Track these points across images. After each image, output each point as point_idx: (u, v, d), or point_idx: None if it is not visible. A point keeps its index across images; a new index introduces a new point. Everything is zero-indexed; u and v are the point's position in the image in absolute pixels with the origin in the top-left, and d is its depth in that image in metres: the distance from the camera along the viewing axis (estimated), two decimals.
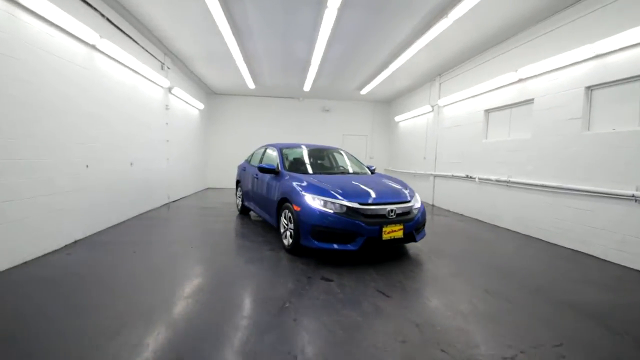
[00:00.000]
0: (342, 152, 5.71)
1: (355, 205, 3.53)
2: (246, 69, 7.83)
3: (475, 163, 6.86)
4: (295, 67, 7.88)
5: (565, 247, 4.59)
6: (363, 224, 3.45)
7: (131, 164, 5.73)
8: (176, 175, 8.11)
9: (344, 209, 3.52)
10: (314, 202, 3.62)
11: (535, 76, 5.23)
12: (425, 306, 2.73)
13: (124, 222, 5.41)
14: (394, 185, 4.27)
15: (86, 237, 4.38)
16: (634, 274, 3.57)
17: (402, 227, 3.65)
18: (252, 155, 6.52)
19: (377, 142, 12.37)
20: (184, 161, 8.75)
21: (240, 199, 6.58)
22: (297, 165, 4.96)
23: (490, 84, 6.22)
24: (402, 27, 5.52)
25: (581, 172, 4.42)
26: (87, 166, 4.41)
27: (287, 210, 4.03)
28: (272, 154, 5.50)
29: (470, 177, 6.89)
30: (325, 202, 3.58)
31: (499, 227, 5.98)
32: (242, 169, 6.47)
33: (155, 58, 6.61)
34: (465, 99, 7.17)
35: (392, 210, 3.66)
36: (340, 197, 3.60)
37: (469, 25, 5.35)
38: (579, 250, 4.41)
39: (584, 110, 4.45)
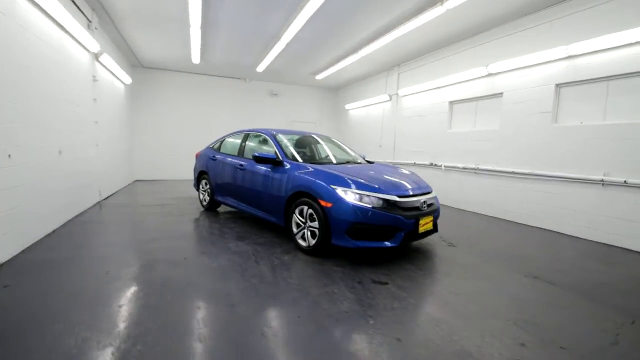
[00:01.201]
0: (333, 139, 5.30)
1: (394, 198, 3.24)
2: (199, 39, 6.60)
3: (439, 151, 7.25)
4: (258, 43, 7.00)
5: (532, 226, 5.19)
6: (403, 218, 3.19)
7: (60, 152, 4.26)
8: (106, 165, 6.47)
9: (382, 202, 3.19)
10: (349, 196, 3.18)
11: (506, 72, 5.68)
12: (513, 299, 2.65)
13: (55, 230, 4.02)
14: (412, 175, 4.11)
15: (14, 258, 3.06)
16: (613, 248, 4.21)
17: (432, 218, 3.54)
18: (221, 142, 5.56)
19: (326, 129, 12.18)
20: (113, 148, 7.05)
21: (206, 193, 5.59)
22: (298, 154, 4.38)
23: (458, 77, 6.57)
24: (390, 11, 5.32)
25: (552, 160, 4.99)
26: (9, 156, 3.04)
27: (305, 207, 3.49)
28: (259, 141, 4.77)
29: (435, 165, 7.27)
30: (362, 196, 3.18)
31: (465, 210, 6.47)
32: (210, 159, 5.48)
33: (82, 13, 5.00)
34: (429, 90, 7.47)
35: (424, 202, 3.50)
36: (377, 191, 3.26)
37: (442, 20, 5.46)
38: (549, 228, 5.03)
39: (554, 105, 5.01)
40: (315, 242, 3.39)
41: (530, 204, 5.29)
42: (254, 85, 10.92)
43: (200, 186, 5.79)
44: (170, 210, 5.53)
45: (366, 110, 10.30)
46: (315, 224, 3.38)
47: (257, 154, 4.10)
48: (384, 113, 9.31)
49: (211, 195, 5.41)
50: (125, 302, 2.35)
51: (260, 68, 8.85)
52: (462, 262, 3.51)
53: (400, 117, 8.56)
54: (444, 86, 7.05)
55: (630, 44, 4.11)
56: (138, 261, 3.19)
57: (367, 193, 3.20)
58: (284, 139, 4.48)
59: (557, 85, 4.96)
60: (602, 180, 4.36)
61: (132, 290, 2.56)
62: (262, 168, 4.20)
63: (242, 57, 8.17)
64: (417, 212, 3.37)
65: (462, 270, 3.26)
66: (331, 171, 3.57)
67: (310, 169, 3.71)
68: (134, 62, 8.88)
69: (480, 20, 5.60)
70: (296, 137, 4.77)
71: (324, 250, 3.39)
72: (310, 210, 3.43)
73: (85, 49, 5.21)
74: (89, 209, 5.40)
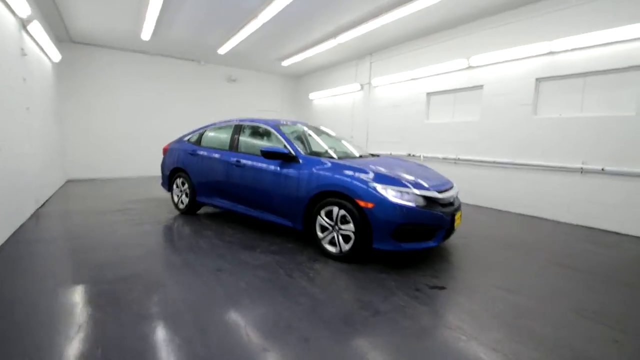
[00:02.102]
0: (324, 129, 4.93)
1: (435, 194, 3.05)
2: (158, 10, 5.55)
3: (417, 142, 7.35)
4: (230, 19, 6.17)
5: (514, 213, 5.56)
6: (443, 215, 3.03)
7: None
8: (40, 163, 5.16)
9: (423, 200, 2.98)
10: (391, 194, 2.90)
11: (488, 65, 5.89)
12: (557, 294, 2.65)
13: None
14: (429, 169, 3.97)
15: None
16: (593, 230, 4.65)
17: (461, 213, 3.46)
18: (201, 134, 4.78)
19: (288, 118, 11.59)
20: (44, 141, 5.65)
21: (184, 194, 4.79)
22: (310, 149, 3.94)
23: (437, 68, 6.66)
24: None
25: (533, 150, 5.34)
26: None
27: (335, 208, 3.11)
28: (258, 133, 4.18)
29: (414, 156, 7.37)
30: (402, 194, 2.93)
31: None
32: (189, 154, 4.68)
33: None
34: (406, 80, 7.48)
35: (456, 197, 3.40)
36: (418, 187, 3.03)
37: (425, 11, 5.44)
38: (530, 214, 5.42)
39: (534, 98, 5.33)
40: (351, 248, 3.06)
41: (512, 191, 5.64)
42: (210, 69, 9.82)
43: (175, 186, 4.95)
44: (138, 217, 4.61)
45: (333, 100, 10.03)
46: (349, 226, 3.04)
47: (265, 149, 3.55)
48: (355, 103, 9.15)
49: (192, 196, 4.65)
50: None
51: (223, 50, 7.92)
52: (484, 254, 3.51)
53: (374, 108, 8.48)
54: (422, 77, 7.10)
55: (606, 44, 4.50)
56: (148, 302, 2.50)
57: (408, 190, 2.96)
58: (288, 131, 3.99)
59: (537, 79, 5.27)
60: (581, 168, 4.79)
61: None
62: (270, 165, 3.67)
63: (206, 36, 7.18)
64: (452, 207, 3.25)
65: (491, 264, 3.24)
66: (363, 167, 3.24)
67: (329, 164, 3.33)
68: (61, 35, 7.20)
69: (462, 12, 5.67)
70: (299, 128, 4.29)
71: (360, 256, 3.08)
72: (343, 212, 3.07)
73: (12, 12, 3.95)
74: (26, 221, 4.22)
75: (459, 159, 6.43)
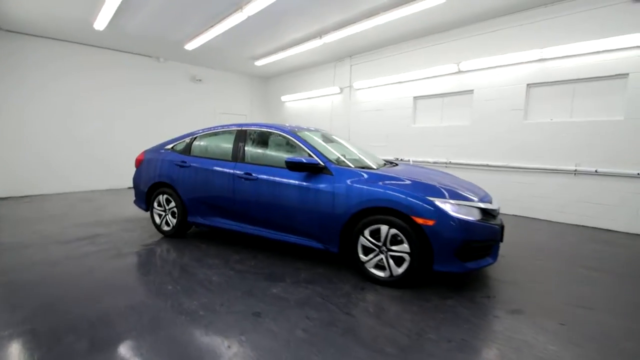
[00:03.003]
0: (335, 136, 4.50)
1: (489, 206, 2.81)
2: None
3: (404, 147, 7.25)
4: (207, 10, 5.41)
5: (509, 214, 5.68)
6: (499, 229, 2.81)
7: None
8: None
9: (479, 213, 2.72)
10: (451, 209, 2.58)
11: (478, 70, 5.96)
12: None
13: None
14: (460, 178, 3.74)
15: None
16: (587, 229, 4.86)
17: None
18: (190, 142, 4.02)
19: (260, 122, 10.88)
20: None
21: (169, 214, 4.00)
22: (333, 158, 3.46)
23: (426, 72, 6.62)
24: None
25: (526, 153, 5.49)
26: None
27: (384, 227, 2.70)
28: (270, 141, 3.61)
29: (402, 160, 7.25)
30: (460, 208, 2.63)
31: None
32: (176, 165, 3.90)
33: None
34: (391, 84, 7.35)
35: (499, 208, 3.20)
36: (472, 200, 2.76)
37: (415, 15, 5.36)
38: (524, 215, 5.55)
39: (525, 103, 5.49)
40: (405, 271, 2.67)
41: (507, 194, 5.75)
42: (171, 67, 8.76)
43: (156, 204, 4.11)
44: (113, 246, 3.71)
45: (310, 103, 9.60)
46: (402, 247, 2.66)
47: (291, 160, 3.02)
48: (334, 106, 8.83)
49: (181, 216, 3.88)
50: None
51: (192, 45, 7.05)
52: (515, 263, 3.39)
53: (356, 112, 8.23)
54: (409, 81, 7.02)
55: (594, 53, 4.75)
56: None
57: (468, 203, 2.67)
58: (314, 137, 3.49)
59: (528, 85, 5.44)
60: (575, 170, 5.00)
61: None
62: (292, 178, 3.14)
63: (174, 28, 6.28)
64: (499, 218, 3.04)
65: (533, 275, 3.10)
66: (408, 178, 2.89)
67: (366, 176, 2.93)
68: None
69: (453, 17, 5.67)
70: (315, 134, 3.79)
71: (414, 280, 2.71)
72: (394, 231, 2.67)
73: None
74: None
75: (450, 163, 6.44)
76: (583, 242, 4.19)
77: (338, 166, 3.07)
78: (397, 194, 2.68)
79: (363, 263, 2.85)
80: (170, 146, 4.19)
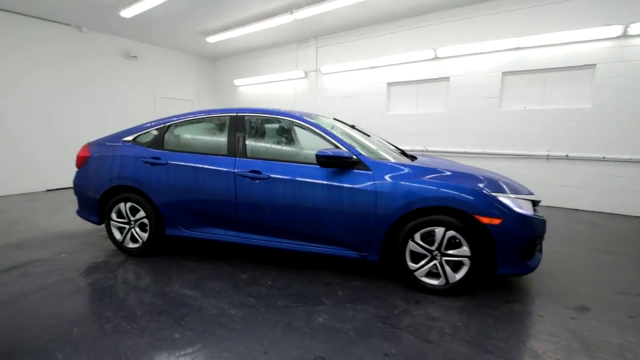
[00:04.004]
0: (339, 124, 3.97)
1: (537, 198, 2.63)
2: None
3: (379, 134, 7.00)
4: None
5: None
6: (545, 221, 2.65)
7: None
8: None
9: (533, 206, 2.52)
10: (513, 204, 2.31)
11: (455, 57, 5.93)
12: None
13: None
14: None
15: None
16: (560, 210, 5.20)
17: None
18: (161, 133, 3.08)
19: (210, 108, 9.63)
20: None
21: (137, 227, 3.07)
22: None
23: (400, 58, 6.40)
24: None
25: (501, 140, 5.67)
26: None
27: (439, 229, 2.32)
28: (272, 129, 2.93)
29: None
30: (518, 202, 2.37)
31: None
32: (145, 163, 2.95)
33: None
34: (364, 69, 6.99)
35: None
36: (527, 192, 2.54)
37: None
38: None
39: (500, 91, 5.64)
40: (464, 277, 2.35)
41: None
42: (97, 39, 7.09)
43: (114, 215, 3.12)
44: (60, 276, 2.69)
45: (269, 88, 8.77)
46: (462, 250, 2.32)
47: (323, 153, 2.43)
48: (297, 92, 8.18)
49: (155, 228, 2.99)
50: None
51: (131, 12, 5.70)
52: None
53: (323, 98, 7.72)
54: (382, 66, 6.75)
55: (565, 44, 5.01)
56: None
57: (523, 197, 2.44)
58: (333, 124, 2.92)
59: (503, 73, 5.57)
60: (547, 155, 5.31)
61: None
62: (317, 175, 2.55)
63: None
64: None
65: (568, 264, 3.09)
66: (456, 170, 2.55)
67: (407, 170, 2.52)
68: None
69: (429, 0, 5.51)
70: (334, 123, 3.21)
71: (472, 286, 2.41)
72: (452, 233, 2.32)
73: None
74: None
75: (427, 151, 6.41)
76: (570, 224, 4.43)
77: (375, 160, 2.58)
78: (455, 191, 2.32)
79: (412, 272, 2.45)
80: (130, 137, 3.19)
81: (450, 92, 6.06)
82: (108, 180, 3.08)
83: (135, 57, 7.71)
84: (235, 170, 2.73)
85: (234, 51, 8.80)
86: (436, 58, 6.10)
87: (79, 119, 6.81)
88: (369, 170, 2.50)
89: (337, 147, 2.61)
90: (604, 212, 4.97)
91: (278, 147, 2.85)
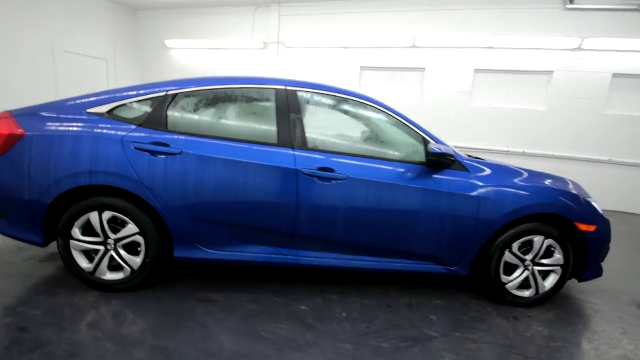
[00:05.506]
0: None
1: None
2: None
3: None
4: None
5: None
6: None
7: None
8: None
9: None
10: (600, 209, 2.28)
11: (431, 47, 5.90)
12: None
13: None
14: None
15: None
16: None
17: None
18: (162, 105, 2.02)
19: (127, 74, 7.59)
20: None
21: (120, 248, 2.02)
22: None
23: (377, 41, 6.08)
24: None
25: (468, 134, 5.98)
26: None
27: (538, 238, 2.13)
28: (339, 114, 2.26)
29: None
30: (598, 206, 2.37)
31: None
32: (144, 151, 1.91)
33: None
34: (335, 47, 6.42)
35: None
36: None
37: None
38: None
39: (471, 87, 5.90)
40: (554, 286, 2.24)
41: None
42: None
43: (78, 231, 1.98)
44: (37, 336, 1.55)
45: (213, 55, 7.36)
46: (555, 259, 2.20)
47: (435, 151, 1.93)
48: (253, 65, 7.09)
49: (157, 249, 2.01)
50: None
51: None
52: None
53: (286, 75, 6.87)
54: (356, 47, 6.31)
55: (527, 48, 5.47)
56: None
57: (593, 200, 2.44)
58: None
59: (475, 69, 5.82)
60: (507, 151, 5.84)
61: None
62: (405, 175, 2.05)
63: None
64: None
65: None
66: (536, 172, 2.39)
67: (489, 171, 2.26)
68: None
69: None
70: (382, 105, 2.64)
71: (556, 295, 2.32)
72: (550, 241, 2.16)
73: None
74: None
75: None
76: None
77: (468, 158, 2.22)
78: (560, 196, 2.15)
79: (504, 284, 2.22)
80: (102, 109, 2.03)
81: (425, 83, 6.07)
82: (69, 175, 1.90)
83: None
84: (298, 168, 1.98)
85: (168, 3, 7.06)
86: (414, 46, 5.99)
87: None
88: (467, 170, 2.13)
89: (428, 141, 2.15)
90: None
91: (351, 138, 2.21)
